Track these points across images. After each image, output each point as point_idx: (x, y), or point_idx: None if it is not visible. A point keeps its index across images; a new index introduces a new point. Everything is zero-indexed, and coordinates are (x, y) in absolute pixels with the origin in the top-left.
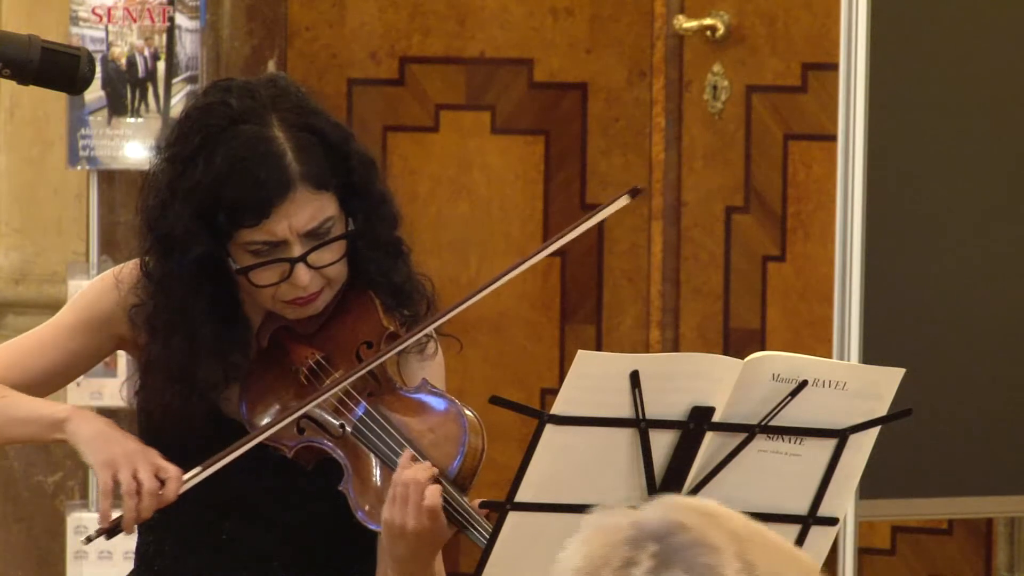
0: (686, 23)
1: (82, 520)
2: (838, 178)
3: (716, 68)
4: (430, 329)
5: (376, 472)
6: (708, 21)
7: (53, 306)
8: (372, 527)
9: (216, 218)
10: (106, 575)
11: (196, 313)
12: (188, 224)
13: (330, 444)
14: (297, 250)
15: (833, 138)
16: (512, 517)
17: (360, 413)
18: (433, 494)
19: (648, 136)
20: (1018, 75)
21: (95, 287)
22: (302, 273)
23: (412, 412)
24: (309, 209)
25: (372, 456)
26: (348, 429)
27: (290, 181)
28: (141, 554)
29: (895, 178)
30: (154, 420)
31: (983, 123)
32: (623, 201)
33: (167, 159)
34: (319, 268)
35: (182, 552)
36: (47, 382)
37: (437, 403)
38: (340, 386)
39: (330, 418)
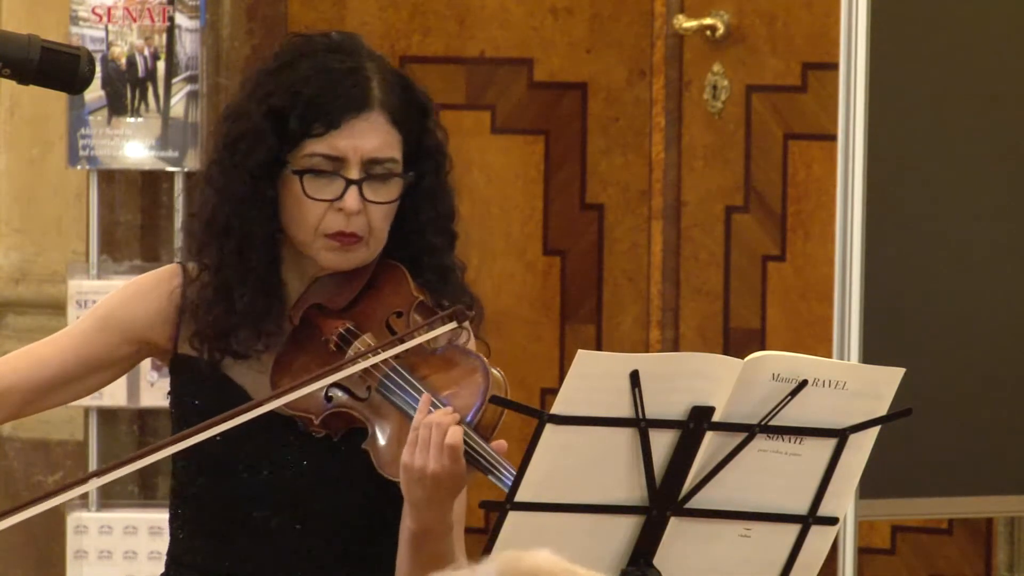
0: (686, 23)
1: (82, 520)
2: (838, 178)
3: (716, 68)
4: (372, 361)
5: (399, 425)
6: (708, 21)
7: (53, 306)
8: (394, 479)
9: (287, 122)
10: (106, 575)
11: (251, 217)
12: (258, 124)
13: (357, 407)
14: (355, 173)
15: (833, 138)
16: (512, 517)
17: (387, 371)
18: (455, 433)
19: (648, 136)
20: (1018, 75)
21: (117, 294)
22: (353, 197)
23: (437, 367)
24: (379, 136)
25: (395, 410)
26: (374, 389)
27: (369, 100)
28: (172, 554)
29: (895, 178)
30: (187, 398)
31: (983, 122)
32: (450, 326)
33: (254, 77)
34: (370, 202)
35: (212, 546)
36: (58, 388)
37: (462, 358)
38: (362, 365)
39: (357, 382)
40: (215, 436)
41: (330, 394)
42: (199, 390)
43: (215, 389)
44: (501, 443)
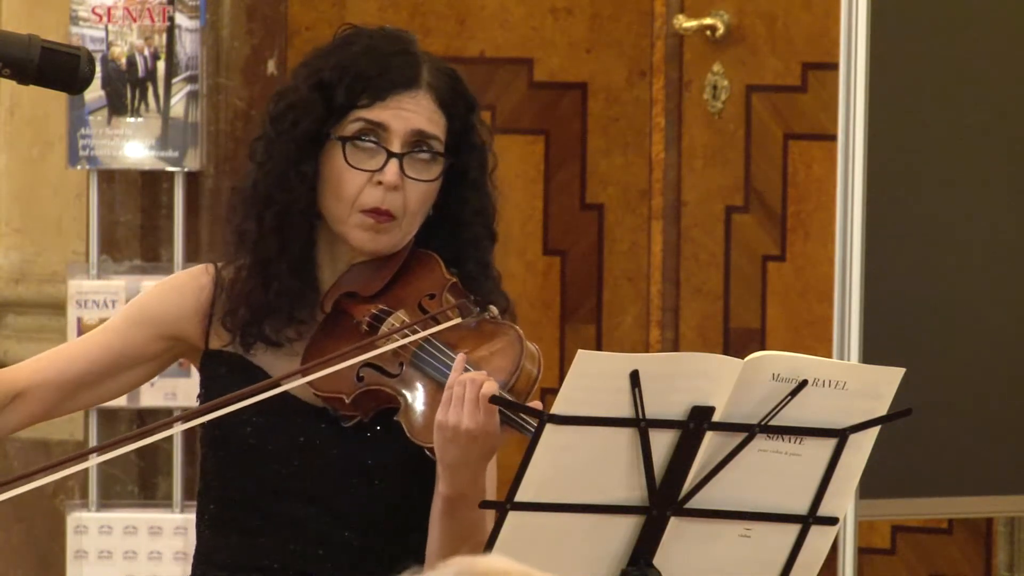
0: (686, 23)
1: (82, 520)
2: (838, 178)
3: (716, 68)
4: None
5: (432, 393)
6: (708, 21)
7: (53, 306)
8: (427, 446)
9: (335, 96)
10: (106, 575)
11: (292, 187)
12: (306, 95)
13: (389, 383)
14: (397, 147)
15: (833, 138)
16: (512, 517)
17: (421, 342)
18: (490, 386)
19: (648, 136)
20: (1018, 75)
21: (149, 290)
22: (393, 170)
23: (471, 339)
24: (424, 113)
25: (429, 379)
26: (407, 364)
27: (418, 79)
28: (200, 553)
29: (895, 178)
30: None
31: (983, 123)
32: (457, 320)
33: (305, 60)
34: (410, 178)
35: (242, 541)
36: (90, 384)
37: (496, 328)
38: (393, 345)
39: (389, 359)
40: (247, 427)
41: (361, 373)
42: (232, 383)
43: (248, 380)
44: (536, 404)
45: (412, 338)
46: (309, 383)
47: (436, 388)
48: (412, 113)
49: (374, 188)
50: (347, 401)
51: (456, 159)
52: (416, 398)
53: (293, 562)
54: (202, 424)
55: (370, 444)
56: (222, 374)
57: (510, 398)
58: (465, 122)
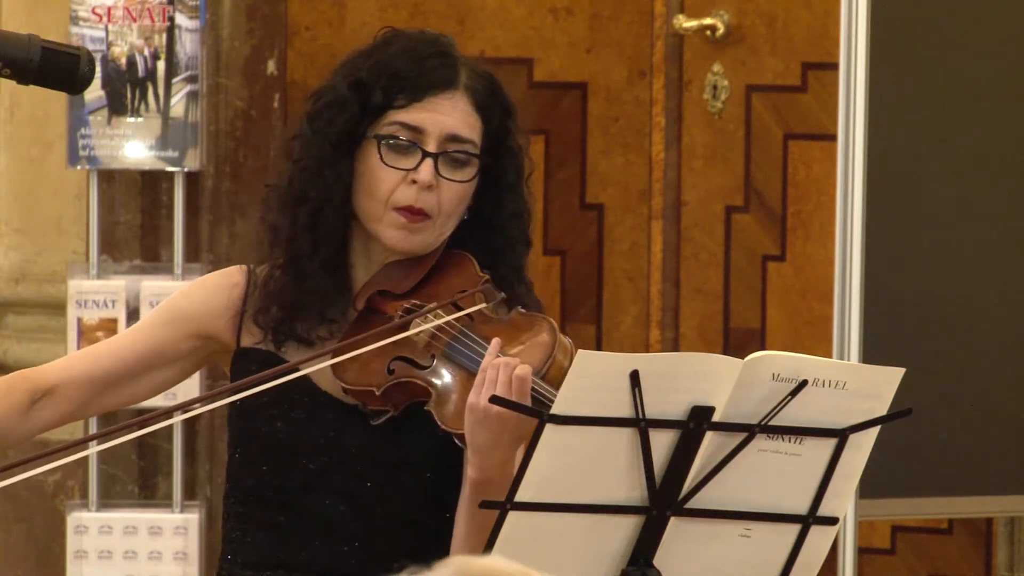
0: (686, 23)
1: (82, 520)
2: (838, 178)
3: (716, 68)
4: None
5: (464, 381)
6: (708, 21)
7: (53, 306)
8: (457, 433)
9: (372, 95)
10: (106, 575)
11: (327, 185)
12: (342, 94)
13: (420, 376)
14: (433, 147)
15: (833, 138)
16: (512, 517)
17: (455, 334)
18: (524, 368)
19: (648, 136)
20: (1018, 75)
21: (182, 289)
22: (427, 169)
23: (504, 330)
24: (460, 116)
25: (461, 369)
26: (439, 355)
27: (455, 81)
28: (225, 555)
29: (895, 178)
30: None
31: (983, 123)
32: (483, 305)
33: (344, 60)
34: (444, 178)
35: (269, 538)
36: (119, 383)
37: (529, 320)
38: (421, 328)
39: (421, 352)
40: (276, 423)
41: (392, 366)
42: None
43: (278, 376)
44: None
45: (436, 323)
46: (339, 378)
47: (468, 377)
48: (449, 114)
49: (408, 187)
50: (377, 394)
51: (492, 162)
52: (448, 387)
53: (319, 559)
54: (230, 422)
55: (398, 441)
56: (252, 370)
57: (544, 384)
58: (501, 126)
